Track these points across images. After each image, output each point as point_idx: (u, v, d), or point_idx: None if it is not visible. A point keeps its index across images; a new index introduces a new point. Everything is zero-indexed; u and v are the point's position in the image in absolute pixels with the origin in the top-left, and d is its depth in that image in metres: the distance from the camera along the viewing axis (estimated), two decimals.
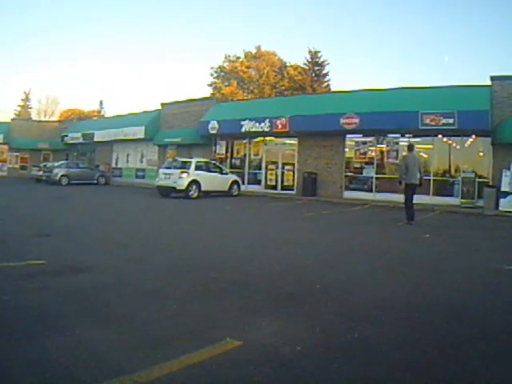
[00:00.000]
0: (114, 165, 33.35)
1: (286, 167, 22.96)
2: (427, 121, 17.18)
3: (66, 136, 36.11)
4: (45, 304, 4.36)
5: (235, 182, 21.11)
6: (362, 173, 20.57)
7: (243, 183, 22.87)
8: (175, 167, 19.30)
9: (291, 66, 49.97)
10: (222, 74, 52.60)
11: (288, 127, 21.14)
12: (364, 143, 20.58)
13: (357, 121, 18.92)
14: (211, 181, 19.59)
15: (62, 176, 27.12)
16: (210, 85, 52.78)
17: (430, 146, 18.77)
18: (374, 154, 20.25)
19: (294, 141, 22.69)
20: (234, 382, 2.98)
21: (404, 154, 14.71)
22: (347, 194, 20.37)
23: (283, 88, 48.62)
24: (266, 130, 22.03)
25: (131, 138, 29.89)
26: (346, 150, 21.00)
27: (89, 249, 7.41)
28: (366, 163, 20.45)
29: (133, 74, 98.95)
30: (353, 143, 20.94)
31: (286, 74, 49.55)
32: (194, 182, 18.76)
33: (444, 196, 18.11)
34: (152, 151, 29.91)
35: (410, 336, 3.86)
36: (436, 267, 6.80)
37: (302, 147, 22.17)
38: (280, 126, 21.40)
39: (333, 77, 48.82)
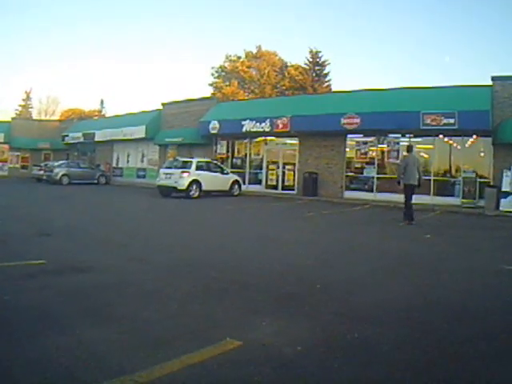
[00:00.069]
0: (114, 164, 33.37)
1: (287, 167, 22.96)
2: (428, 121, 17.17)
3: (67, 136, 36.12)
4: (45, 304, 4.36)
5: (236, 181, 21.10)
6: (362, 173, 20.56)
7: (244, 183, 22.86)
8: (176, 167, 19.31)
9: (292, 66, 49.98)
10: (223, 73, 52.62)
11: (289, 127, 21.14)
12: (365, 143, 20.58)
13: (358, 121, 18.92)
14: (212, 181, 19.58)
15: (62, 176, 27.14)
16: (210, 84, 52.86)
17: (431, 146, 18.76)
18: (374, 154, 20.25)
19: (294, 141, 22.69)
20: (235, 382, 2.98)
21: (404, 154, 14.74)
22: (348, 194, 20.36)
23: (284, 88, 48.63)
24: (267, 129, 22.03)
25: (132, 138, 29.90)
26: (347, 149, 20.99)
27: (89, 248, 7.41)
28: (367, 163, 20.44)
29: (133, 74, 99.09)
30: (353, 143, 20.94)
31: (286, 74, 49.55)
32: (195, 181, 18.76)
33: (445, 196, 18.09)
34: (153, 151, 29.91)
35: (410, 336, 3.86)
36: (436, 267, 6.80)
37: (303, 147, 22.17)
38: (281, 126, 21.40)
39: (333, 77, 49.25)
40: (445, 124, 16.92)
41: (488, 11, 68.57)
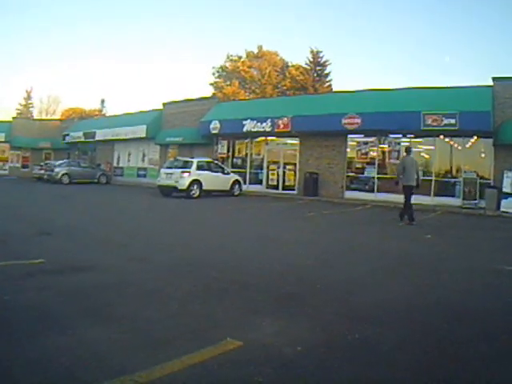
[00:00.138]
0: (115, 164, 33.37)
1: (288, 167, 22.96)
2: (429, 121, 17.16)
3: (68, 135, 36.13)
4: (45, 303, 4.36)
5: (237, 181, 21.10)
6: (363, 173, 20.55)
7: (245, 183, 22.86)
8: (177, 167, 19.31)
9: (293, 66, 49.96)
10: (224, 73, 52.63)
11: (290, 127, 21.13)
12: (366, 143, 20.59)
13: (359, 121, 18.91)
14: (213, 180, 19.58)
15: (63, 175, 27.15)
16: (211, 84, 52.87)
17: (432, 147, 18.77)
18: (375, 154, 20.25)
19: (295, 141, 22.69)
20: (235, 382, 2.98)
21: (402, 155, 14.87)
22: (348, 194, 20.36)
23: (285, 88, 48.62)
24: (268, 129, 22.02)
25: (133, 137, 29.91)
26: (348, 150, 20.99)
27: (90, 248, 7.41)
28: (368, 163, 20.44)
29: (134, 74, 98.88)
30: (354, 143, 20.95)
31: (287, 74, 49.56)
32: (196, 181, 18.76)
33: (445, 196, 18.09)
34: (153, 150, 29.92)
35: (410, 336, 3.87)
36: (437, 267, 6.80)
37: (304, 147, 22.17)
38: (282, 126, 21.39)
39: (334, 77, 48.97)
40: (446, 124, 16.90)
41: (488, 11, 68.61)
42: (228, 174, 21.05)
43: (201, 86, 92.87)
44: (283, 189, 22.69)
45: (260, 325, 3.98)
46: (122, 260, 6.52)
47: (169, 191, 19.13)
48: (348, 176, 20.80)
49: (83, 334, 3.61)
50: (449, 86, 18.29)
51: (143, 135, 28.83)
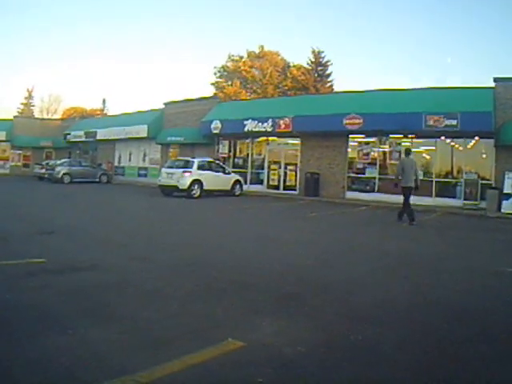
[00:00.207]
0: (116, 163, 33.37)
1: (289, 167, 22.95)
2: (430, 122, 17.14)
3: (69, 134, 36.14)
4: (46, 303, 4.36)
5: (238, 181, 21.08)
6: (364, 173, 20.54)
7: (246, 183, 22.85)
8: (178, 166, 19.30)
9: (294, 66, 49.94)
10: (225, 73, 52.60)
11: (291, 127, 21.12)
12: (367, 144, 20.58)
13: (360, 121, 18.89)
14: (214, 180, 19.58)
15: (64, 174, 27.14)
16: (213, 84, 52.84)
17: (433, 148, 18.76)
18: (376, 154, 20.23)
19: (296, 141, 22.68)
20: (236, 383, 2.98)
21: (402, 157, 14.95)
22: (349, 195, 20.35)
23: (286, 88, 48.58)
24: (269, 129, 22.01)
25: (134, 137, 29.90)
26: (349, 150, 20.98)
27: (91, 247, 7.42)
28: (369, 164, 20.41)
29: (136, 73, 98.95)
30: (356, 144, 20.94)
31: (289, 74, 49.51)
32: (197, 181, 18.75)
33: (446, 197, 18.07)
34: (155, 150, 29.92)
35: (410, 336, 3.87)
36: (437, 268, 6.80)
37: (305, 147, 22.16)
38: (283, 126, 21.37)
39: (336, 77, 48.87)
40: (447, 125, 16.89)
41: (488, 11, 68.57)
42: (229, 173, 21.04)
43: (202, 86, 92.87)
44: (284, 189, 22.68)
45: (260, 325, 3.99)
46: (122, 260, 6.52)
47: (170, 191, 19.13)
48: (349, 176, 20.79)
49: (83, 334, 3.61)
50: (450, 86, 18.32)
51: (144, 135, 28.81)
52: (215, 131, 24.11)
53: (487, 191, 16.39)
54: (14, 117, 42.07)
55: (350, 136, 20.56)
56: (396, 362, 3.33)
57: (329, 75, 48.35)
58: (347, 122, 19.20)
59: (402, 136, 19.18)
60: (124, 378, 2.89)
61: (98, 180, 28.75)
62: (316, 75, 47.58)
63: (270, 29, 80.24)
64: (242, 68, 50.24)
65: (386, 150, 20.11)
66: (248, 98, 44.39)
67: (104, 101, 68.55)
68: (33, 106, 67.24)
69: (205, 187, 19.03)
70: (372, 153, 20.38)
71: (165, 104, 29.96)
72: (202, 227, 10.85)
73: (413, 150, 17.95)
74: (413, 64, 76.65)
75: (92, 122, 38.03)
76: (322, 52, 47.64)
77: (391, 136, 19.58)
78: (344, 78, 72.20)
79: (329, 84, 47.86)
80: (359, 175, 20.69)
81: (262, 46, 52.21)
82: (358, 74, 78.72)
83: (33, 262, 5.90)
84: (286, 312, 4.38)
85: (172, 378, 2.96)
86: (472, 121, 16.27)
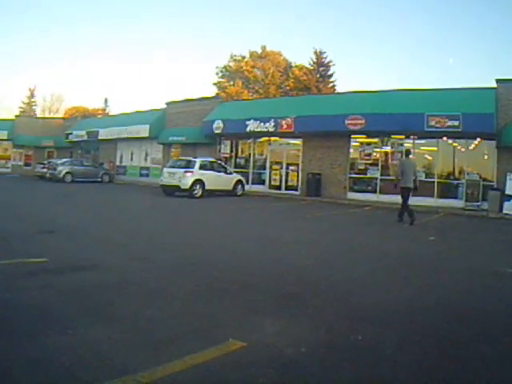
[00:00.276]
0: (118, 163, 33.37)
1: (291, 167, 22.92)
2: (432, 123, 17.13)
3: (71, 133, 36.15)
4: (46, 302, 4.36)
5: (239, 181, 21.08)
6: (366, 174, 20.52)
7: (247, 183, 22.85)
8: (179, 166, 19.30)
9: (296, 67, 49.97)
10: (228, 73, 52.63)
11: (293, 127, 21.10)
12: (369, 144, 20.56)
13: (362, 122, 18.88)
14: (215, 180, 19.58)
15: (65, 173, 27.17)
16: (215, 84, 52.89)
17: (435, 148, 18.74)
18: (378, 155, 20.21)
19: (298, 141, 22.67)
20: (237, 383, 2.98)
21: (402, 158, 15.01)
22: (351, 195, 20.34)
23: (288, 88, 48.62)
24: (271, 130, 22.00)
25: (136, 137, 29.90)
26: (351, 150, 20.97)
27: (92, 247, 7.42)
28: (371, 164, 20.39)
29: (138, 73, 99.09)
30: (357, 144, 20.92)
31: (291, 75, 49.54)
32: (198, 181, 18.75)
33: (448, 198, 18.05)
34: (156, 150, 29.92)
35: (410, 336, 3.86)
36: (437, 268, 6.80)
37: (307, 147, 22.15)
38: (285, 127, 21.36)
39: (337, 77, 48.85)
40: (449, 126, 16.87)
41: (489, 12, 68.46)
42: (231, 173, 21.02)
43: (204, 86, 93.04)
44: (286, 189, 22.67)
45: (261, 325, 3.99)
46: (123, 259, 6.52)
47: (171, 191, 19.13)
48: (351, 177, 20.77)
49: (84, 334, 3.60)
50: (452, 87, 18.29)
51: (146, 134, 28.81)
52: (217, 131, 24.11)
53: (489, 192, 16.38)
54: (16, 116, 42.07)
55: (352, 136, 20.57)
56: (396, 362, 3.33)
57: (331, 75, 48.41)
58: (349, 122, 19.19)
59: (403, 137, 19.19)
60: (125, 378, 2.88)
61: (99, 179, 28.77)
62: (318, 75, 47.62)
63: (271, 29, 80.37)
64: (244, 68, 50.27)
65: (388, 150, 20.09)
66: (250, 98, 44.43)
67: (106, 100, 68.81)
68: (35, 105, 67.37)
69: (206, 187, 19.03)
70: (374, 153, 20.37)
71: (167, 104, 29.97)
72: (203, 227, 10.85)
73: (414, 150, 18.02)
74: (413, 64, 76.74)
75: (94, 121, 38.07)
76: (324, 52, 47.78)
77: (393, 136, 19.59)
78: (346, 79, 72.37)
79: (331, 84, 47.90)
80: (361, 176, 20.68)
81: (264, 46, 52.31)
82: (358, 74, 78.64)
83: (33, 262, 5.90)
84: (287, 312, 4.38)
85: (173, 378, 2.95)
86: (474, 122, 16.26)
